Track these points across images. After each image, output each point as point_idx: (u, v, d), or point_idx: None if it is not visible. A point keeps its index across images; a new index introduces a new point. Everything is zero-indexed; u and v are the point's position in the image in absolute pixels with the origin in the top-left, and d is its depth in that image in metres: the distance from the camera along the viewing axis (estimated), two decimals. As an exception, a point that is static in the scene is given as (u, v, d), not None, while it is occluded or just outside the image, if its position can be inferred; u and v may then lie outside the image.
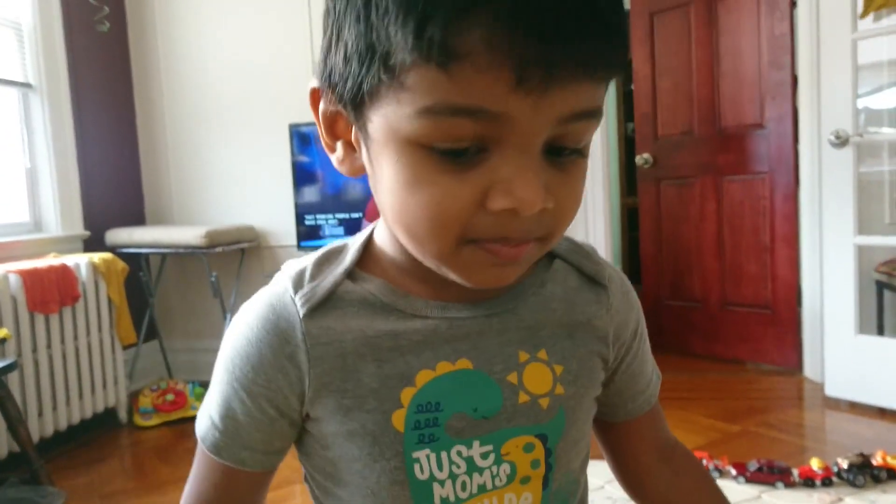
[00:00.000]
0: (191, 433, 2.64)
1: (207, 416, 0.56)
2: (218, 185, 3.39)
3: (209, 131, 3.37)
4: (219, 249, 3.00)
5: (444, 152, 0.43)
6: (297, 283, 0.54)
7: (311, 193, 3.07)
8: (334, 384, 0.52)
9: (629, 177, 4.73)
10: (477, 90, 0.40)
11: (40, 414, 2.43)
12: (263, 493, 0.59)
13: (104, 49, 3.26)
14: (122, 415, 2.82)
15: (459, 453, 0.53)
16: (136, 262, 3.11)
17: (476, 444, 0.53)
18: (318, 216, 3.04)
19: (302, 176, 3.07)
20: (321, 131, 0.52)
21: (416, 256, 0.50)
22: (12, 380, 2.25)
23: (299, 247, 3.07)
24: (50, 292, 2.44)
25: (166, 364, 3.35)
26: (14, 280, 2.32)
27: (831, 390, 2.68)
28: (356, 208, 3.00)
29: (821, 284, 2.76)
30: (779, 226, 3.08)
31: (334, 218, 3.02)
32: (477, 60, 0.39)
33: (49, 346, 2.46)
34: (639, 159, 3.58)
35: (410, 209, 0.45)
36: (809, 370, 2.94)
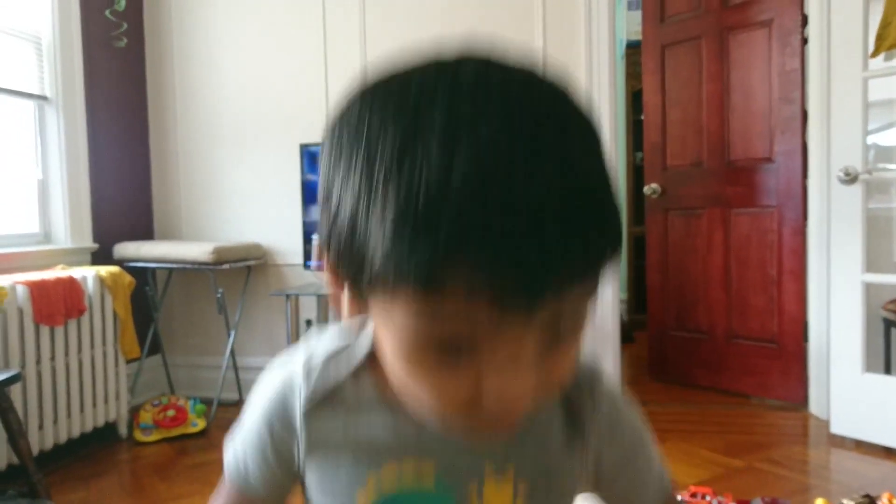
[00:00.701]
0: (190, 450, 2.65)
1: (233, 450, 0.64)
2: (227, 202, 3.41)
3: (220, 149, 3.40)
4: (226, 266, 3.01)
5: (437, 347, 0.43)
6: (307, 376, 0.59)
7: (319, 213, 3.07)
8: (319, 467, 0.59)
9: (637, 206, 4.74)
10: (461, 318, 0.41)
11: (41, 426, 2.42)
12: None
13: (120, 65, 3.30)
14: (123, 429, 2.81)
15: None
16: (142, 276, 3.12)
17: None
18: (325, 236, 3.05)
19: (311, 195, 3.08)
20: (328, 279, 0.52)
21: None
22: (15, 391, 2.25)
23: (306, 266, 3.08)
24: (56, 305, 2.45)
25: (168, 379, 3.34)
26: (21, 291, 2.33)
27: (837, 428, 2.66)
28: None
29: (828, 320, 2.74)
30: (786, 260, 3.07)
31: (342, 238, 3.02)
32: (458, 293, 0.39)
33: (53, 358, 2.46)
34: (647, 189, 3.59)
35: (412, 392, 0.47)
36: (815, 406, 2.92)
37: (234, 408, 3.19)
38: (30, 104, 2.86)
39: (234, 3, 3.34)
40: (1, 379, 2.00)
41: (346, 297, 0.51)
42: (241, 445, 0.63)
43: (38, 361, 2.41)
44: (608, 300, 2.99)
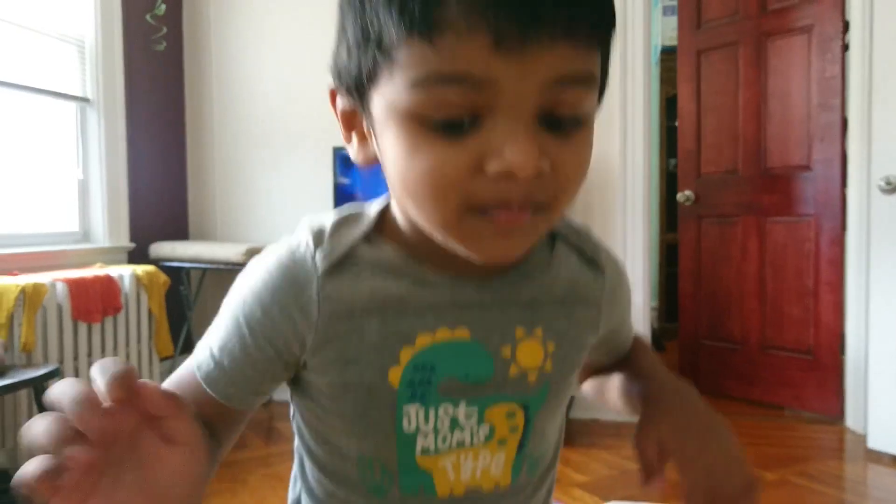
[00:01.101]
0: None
1: (207, 346, 0.58)
2: (260, 204, 3.45)
3: (255, 151, 3.44)
4: (258, 267, 3.04)
5: (439, 123, 0.45)
6: (317, 240, 0.56)
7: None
8: (339, 337, 0.55)
9: (670, 213, 4.68)
10: (459, 57, 0.42)
11: (77, 421, 2.47)
12: (235, 431, 0.59)
13: (160, 68, 3.37)
14: (155, 426, 2.85)
15: (446, 411, 0.56)
16: (177, 275, 3.17)
17: (462, 404, 0.57)
18: (356, 239, 3.07)
19: (343, 198, 3.10)
20: (340, 127, 0.57)
21: (426, 229, 0.51)
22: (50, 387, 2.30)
23: (337, 268, 3.10)
24: (94, 302, 2.50)
25: (200, 378, 3.39)
26: (61, 288, 2.38)
27: (874, 443, 2.59)
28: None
29: (866, 332, 2.68)
30: (824, 270, 3.01)
31: (373, 241, 3.04)
32: (457, 28, 0.41)
33: (90, 354, 2.52)
34: (680, 196, 3.55)
35: (412, 179, 0.47)
36: (851, 420, 2.85)
37: (264, 407, 3.22)
38: (72, 106, 2.93)
39: (271, 9, 3.38)
40: (41, 374, 2.05)
41: (355, 138, 0.55)
42: (223, 336, 0.56)
43: (76, 357, 2.46)
44: (638, 307, 2.96)
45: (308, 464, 0.63)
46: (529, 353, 0.58)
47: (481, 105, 0.44)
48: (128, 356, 2.69)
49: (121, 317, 2.64)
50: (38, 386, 2.08)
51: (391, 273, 0.56)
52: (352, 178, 3.10)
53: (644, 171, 2.97)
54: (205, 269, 3.28)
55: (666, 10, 4.95)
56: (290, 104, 3.37)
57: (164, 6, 3.29)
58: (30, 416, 2.26)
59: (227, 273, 3.33)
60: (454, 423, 0.57)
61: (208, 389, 0.56)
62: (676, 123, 3.74)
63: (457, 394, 0.57)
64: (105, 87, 2.98)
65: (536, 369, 0.58)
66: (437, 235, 0.51)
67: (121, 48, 3.07)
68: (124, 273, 2.68)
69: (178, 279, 3.21)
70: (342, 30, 0.51)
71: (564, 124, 0.46)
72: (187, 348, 3.33)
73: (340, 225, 0.57)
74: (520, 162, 0.44)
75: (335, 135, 3.02)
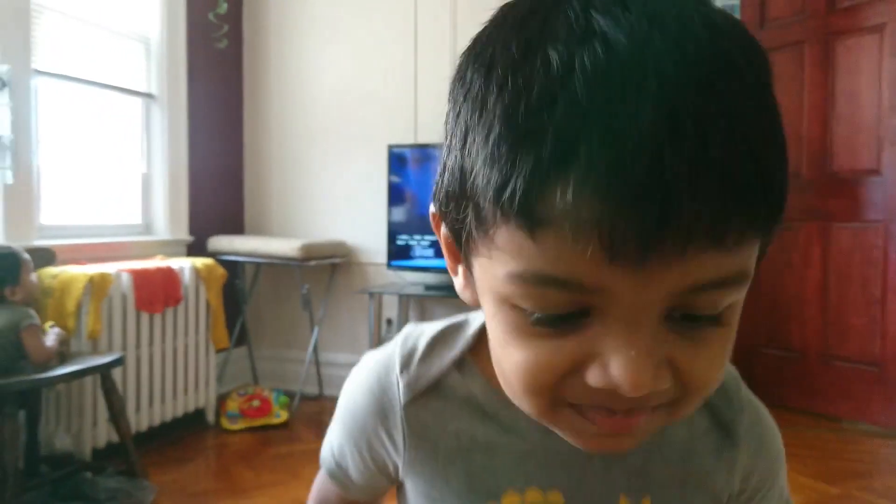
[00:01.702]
0: (274, 441, 2.72)
1: (329, 445, 0.60)
2: (315, 201, 3.49)
3: (311, 148, 3.48)
4: (312, 263, 3.08)
5: (539, 319, 0.37)
6: (405, 363, 0.53)
7: (404, 214, 3.11)
8: (424, 475, 0.53)
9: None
10: (566, 261, 0.34)
11: (137, 409, 2.53)
12: None
13: (220, 65, 3.43)
14: (210, 416, 2.91)
15: None
16: (232, 269, 3.22)
17: None
18: (409, 237, 3.08)
19: (396, 196, 3.12)
20: (444, 253, 0.48)
21: None
22: (115, 374, 2.36)
23: (389, 265, 3.11)
24: (156, 293, 2.56)
25: (253, 370, 3.45)
26: (126, 279, 2.44)
27: (945, 460, 2.49)
28: (448, 231, 3.01)
29: (938, 345, 2.57)
30: (892, 278, 2.90)
31: (425, 240, 3.04)
32: (562, 229, 0.33)
33: (151, 343, 2.58)
34: (739, 199, 3.46)
35: (505, 367, 0.41)
36: (919, 436, 2.74)
37: (314, 402, 3.25)
38: (138, 101, 3.01)
39: (329, 9, 3.41)
40: (106, 361, 2.11)
41: (461, 274, 0.47)
42: (336, 441, 0.58)
43: (138, 346, 2.52)
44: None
45: None
46: None
47: (591, 304, 0.36)
48: (186, 347, 2.74)
49: (180, 308, 2.70)
50: (104, 373, 2.14)
51: (478, 414, 0.51)
52: (406, 177, 3.11)
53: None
54: (260, 264, 3.33)
55: (728, 10, 4.84)
56: (346, 103, 3.40)
57: (225, 4, 3.35)
58: (94, 401, 2.33)
59: (281, 268, 3.37)
60: None
61: (333, 484, 0.60)
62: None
63: None
64: (169, 83, 3.05)
65: None
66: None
67: (184, 45, 3.14)
68: (184, 265, 2.74)
69: (234, 273, 3.26)
70: (445, 154, 0.42)
71: (700, 323, 0.38)
72: (241, 341, 3.39)
73: (433, 346, 0.53)
74: (628, 384, 0.36)
75: (390, 134, 3.05)
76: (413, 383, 0.52)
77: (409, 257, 3.08)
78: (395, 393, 0.53)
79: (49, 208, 2.61)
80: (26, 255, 2.10)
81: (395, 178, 3.11)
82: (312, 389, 3.33)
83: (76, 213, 2.77)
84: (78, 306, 2.28)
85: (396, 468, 0.55)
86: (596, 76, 0.32)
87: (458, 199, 0.39)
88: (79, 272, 2.31)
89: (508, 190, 0.34)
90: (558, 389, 0.39)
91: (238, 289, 3.33)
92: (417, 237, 3.06)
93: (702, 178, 0.31)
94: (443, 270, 3.08)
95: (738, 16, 3.68)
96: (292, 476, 2.39)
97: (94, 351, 2.31)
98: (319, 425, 2.97)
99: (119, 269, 2.45)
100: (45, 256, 2.36)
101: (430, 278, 3.18)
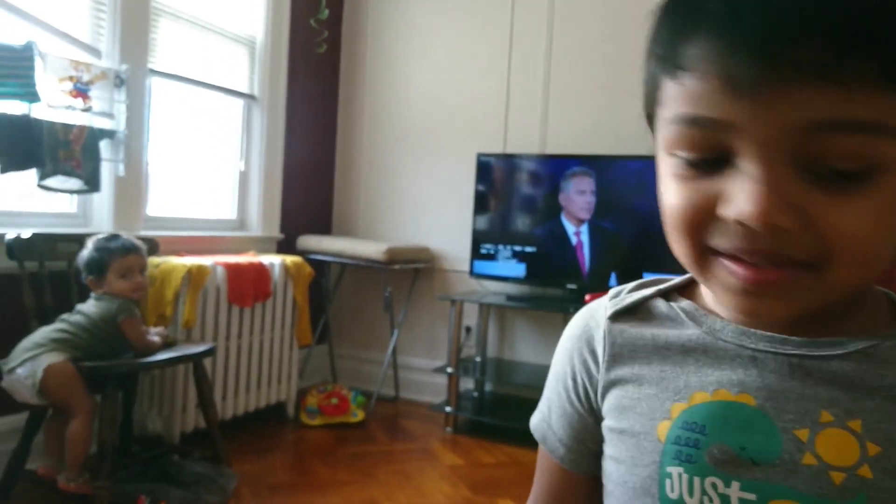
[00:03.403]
0: (350, 439, 2.76)
1: (539, 408, 0.64)
2: (402, 205, 3.54)
3: (401, 153, 3.53)
4: (396, 266, 3.12)
5: (687, 161, 0.45)
6: (615, 294, 0.59)
7: (489, 222, 3.11)
8: (620, 382, 0.55)
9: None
10: (699, 99, 0.42)
11: (223, 398, 2.63)
12: None
13: (318, 69, 3.53)
14: (290, 410, 2.99)
15: (714, 486, 0.48)
16: (318, 268, 3.30)
17: (735, 485, 0.47)
18: (493, 245, 3.07)
19: (482, 204, 3.12)
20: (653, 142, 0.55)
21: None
22: (206, 363, 2.46)
23: (472, 273, 3.12)
24: (247, 287, 2.65)
25: (332, 368, 3.52)
26: (221, 272, 2.54)
27: None
28: (531, 242, 3.00)
29: None
30: None
31: (509, 249, 3.03)
32: (697, 70, 0.41)
33: (239, 336, 2.67)
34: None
35: (665, 213, 0.48)
36: None
37: (390, 404, 3.29)
38: (240, 102, 3.13)
39: (426, 19, 3.46)
40: (200, 350, 2.19)
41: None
42: (545, 395, 0.63)
43: (228, 338, 2.62)
44: None
45: None
46: (835, 446, 0.46)
47: (729, 147, 0.42)
48: (271, 341, 2.83)
49: (269, 303, 2.79)
50: (197, 361, 2.23)
51: (681, 322, 0.54)
52: (493, 186, 3.11)
53: None
54: (345, 264, 3.40)
55: None
56: (438, 110, 3.43)
57: (327, 11, 3.45)
58: (185, 387, 2.43)
59: (366, 269, 3.43)
60: None
61: (543, 447, 0.63)
62: None
63: (730, 469, 0.47)
64: (270, 85, 3.17)
65: (845, 470, 0.45)
66: (695, 276, 0.50)
67: (286, 49, 3.25)
68: (275, 262, 2.83)
69: (320, 271, 3.34)
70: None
71: (839, 177, 0.40)
72: (322, 338, 3.47)
73: (643, 283, 0.59)
74: (748, 211, 0.41)
75: (479, 141, 3.06)
76: (619, 304, 0.57)
77: (493, 266, 3.08)
78: (601, 314, 0.58)
79: (153, 200, 2.75)
80: (137, 256, 2.11)
81: (482, 187, 3.12)
82: (389, 391, 3.37)
83: (177, 206, 2.90)
84: (176, 296, 2.39)
85: (596, 392, 0.57)
86: None
87: (647, 71, 0.49)
88: (178, 263, 2.42)
89: (659, 45, 0.45)
90: (703, 233, 0.45)
91: (323, 287, 3.41)
92: (501, 246, 3.05)
93: (809, 11, 0.37)
94: (525, 281, 3.06)
95: None
96: (366, 475, 2.42)
97: (188, 339, 2.41)
98: (394, 428, 3.00)
99: (215, 261, 2.56)
100: (150, 247, 2.48)
101: (511, 289, 3.16)
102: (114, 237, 2.12)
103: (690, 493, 0.48)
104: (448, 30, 3.41)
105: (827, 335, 0.48)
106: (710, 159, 0.43)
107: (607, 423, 0.56)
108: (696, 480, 0.48)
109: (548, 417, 0.62)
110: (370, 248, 3.10)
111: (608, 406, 0.56)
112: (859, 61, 0.37)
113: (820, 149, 0.40)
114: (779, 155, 0.40)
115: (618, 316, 0.57)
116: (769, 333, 0.49)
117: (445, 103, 3.42)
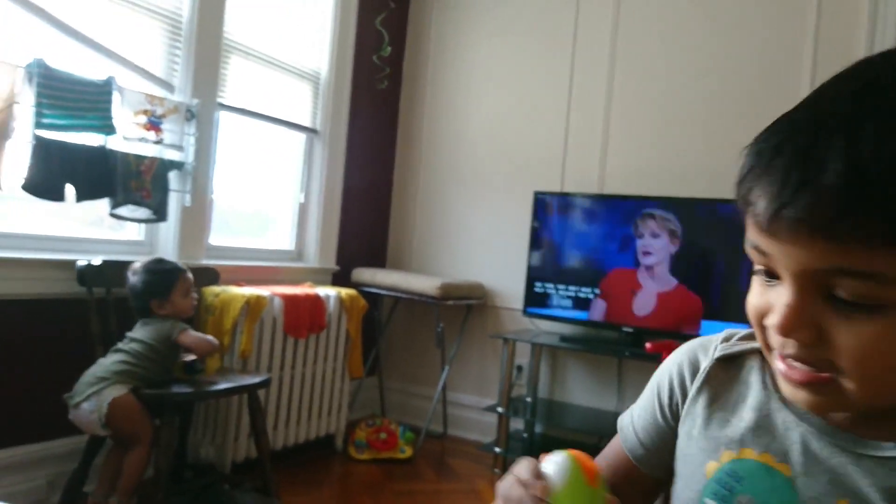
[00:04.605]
0: (397, 476, 2.75)
1: (629, 411, 0.75)
2: (456, 241, 3.54)
3: (457, 189, 3.55)
4: (450, 302, 3.11)
5: (759, 270, 0.55)
6: (727, 338, 0.69)
7: (544, 261, 3.08)
8: (695, 415, 0.67)
9: None
10: (753, 229, 0.52)
11: (274, 427, 2.64)
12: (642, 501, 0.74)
13: (379, 104, 3.59)
14: (339, 443, 2.98)
15: None
16: (371, 300, 3.32)
17: None
18: (548, 285, 3.04)
19: (538, 243, 3.09)
20: None
21: None
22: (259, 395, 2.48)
23: (525, 312, 3.08)
24: (303, 319, 2.68)
25: (381, 401, 3.51)
26: (278, 303, 2.58)
27: None
28: (586, 283, 2.95)
29: None
30: None
31: (565, 290, 2.99)
32: (750, 209, 0.52)
33: (293, 366, 2.69)
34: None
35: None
36: None
37: (438, 441, 3.26)
38: (302, 136, 3.20)
39: (487, 58, 3.49)
40: (256, 381, 2.22)
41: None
42: (638, 406, 0.74)
43: (281, 368, 2.64)
44: None
45: None
46: None
47: (774, 268, 0.53)
48: (324, 373, 2.84)
49: (322, 335, 2.81)
50: (252, 392, 2.25)
51: (758, 384, 0.65)
52: (550, 225, 3.09)
53: None
54: (398, 298, 3.41)
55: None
56: (496, 148, 3.45)
57: (389, 48, 3.52)
58: (238, 417, 2.45)
59: (418, 304, 3.44)
60: None
61: (619, 437, 0.74)
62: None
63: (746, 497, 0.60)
64: (332, 119, 3.23)
65: None
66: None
67: (349, 85, 3.32)
68: (330, 294, 2.85)
69: (373, 304, 3.36)
70: None
71: (850, 305, 0.49)
72: (373, 371, 3.47)
73: (751, 334, 0.65)
74: (776, 321, 0.52)
75: (537, 180, 3.05)
76: (727, 349, 0.68)
77: (546, 306, 3.04)
78: (711, 351, 0.69)
79: (215, 230, 2.82)
80: (188, 274, 2.19)
81: (538, 225, 3.10)
82: (437, 428, 3.34)
83: (237, 236, 2.96)
84: (234, 325, 2.42)
85: (679, 408, 0.69)
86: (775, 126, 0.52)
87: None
88: (237, 293, 2.47)
89: (737, 176, 0.53)
90: (765, 330, 0.55)
91: (375, 320, 3.42)
92: (556, 286, 3.02)
93: (813, 180, 0.46)
94: (579, 322, 3.01)
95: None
96: (415, 516, 2.39)
97: (244, 369, 2.44)
98: (442, 466, 2.97)
99: (273, 292, 2.59)
100: (210, 276, 2.54)
101: (565, 329, 3.11)
102: (160, 261, 2.17)
103: None
104: (508, 68, 3.44)
105: (878, 438, 0.56)
106: (766, 272, 0.54)
107: (679, 444, 0.68)
108: None
109: (635, 419, 0.73)
110: (424, 283, 3.10)
111: (683, 430, 0.68)
112: (854, 222, 0.45)
113: (834, 283, 0.49)
114: (805, 283, 0.50)
115: (723, 360, 0.68)
116: (824, 422, 0.59)
117: (503, 140, 3.43)
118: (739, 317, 2.75)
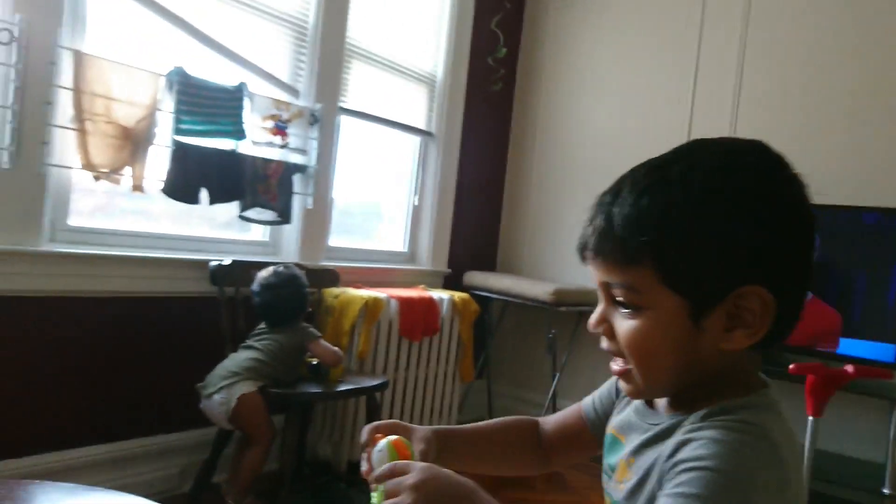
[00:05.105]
0: (507, 483, 2.70)
1: (597, 389, 0.96)
2: (567, 246, 3.45)
3: (571, 193, 3.47)
4: (563, 308, 3.04)
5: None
6: None
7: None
8: (621, 401, 0.88)
9: None
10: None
11: (388, 429, 2.66)
12: (570, 451, 0.97)
13: (493, 107, 3.56)
14: (449, 446, 2.97)
15: (608, 461, 0.82)
16: (482, 304, 3.29)
17: (605, 478, 0.82)
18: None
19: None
20: None
21: None
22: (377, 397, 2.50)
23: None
24: (417, 321, 2.69)
25: (489, 405, 3.48)
26: (394, 305, 2.60)
27: None
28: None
29: None
30: None
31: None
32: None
33: (407, 368, 2.70)
34: None
35: None
36: None
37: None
38: (417, 138, 3.22)
39: (603, 63, 3.39)
40: (375, 384, 2.24)
41: None
42: (605, 385, 0.94)
43: (396, 369, 2.66)
44: None
45: None
46: (622, 474, 0.76)
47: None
48: (436, 375, 2.84)
49: (435, 338, 2.81)
50: (370, 394, 2.28)
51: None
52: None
53: None
54: (509, 303, 3.37)
55: None
56: (610, 150, 3.34)
57: (504, 49, 3.49)
58: (355, 417, 2.49)
59: (529, 309, 3.38)
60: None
61: (581, 403, 0.96)
62: None
63: (608, 471, 0.82)
64: (447, 122, 3.23)
65: (624, 482, 0.75)
66: None
67: (464, 87, 3.31)
68: (444, 297, 2.85)
69: (484, 308, 3.33)
70: None
71: (622, 306, 0.70)
72: (482, 374, 3.44)
73: None
74: (589, 321, 0.74)
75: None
76: None
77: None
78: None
79: (334, 231, 2.87)
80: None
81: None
82: (546, 435, 3.27)
83: (353, 238, 3.01)
84: (353, 327, 2.46)
85: (620, 395, 0.88)
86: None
87: None
88: (356, 294, 2.50)
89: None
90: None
91: (486, 323, 3.39)
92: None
93: (595, 233, 0.70)
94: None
95: None
96: (529, 527, 2.35)
97: (360, 370, 2.47)
98: (553, 476, 2.90)
99: (389, 295, 2.61)
100: (331, 277, 2.59)
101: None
102: (295, 275, 2.21)
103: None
104: (625, 75, 3.32)
105: (677, 413, 0.72)
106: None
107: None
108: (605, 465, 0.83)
109: (597, 392, 0.94)
110: (537, 288, 3.04)
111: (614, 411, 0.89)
112: (608, 250, 0.69)
113: (614, 292, 0.70)
114: (602, 291, 0.72)
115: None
116: (643, 405, 0.79)
117: (619, 142, 3.32)
118: (885, 335, 2.54)
